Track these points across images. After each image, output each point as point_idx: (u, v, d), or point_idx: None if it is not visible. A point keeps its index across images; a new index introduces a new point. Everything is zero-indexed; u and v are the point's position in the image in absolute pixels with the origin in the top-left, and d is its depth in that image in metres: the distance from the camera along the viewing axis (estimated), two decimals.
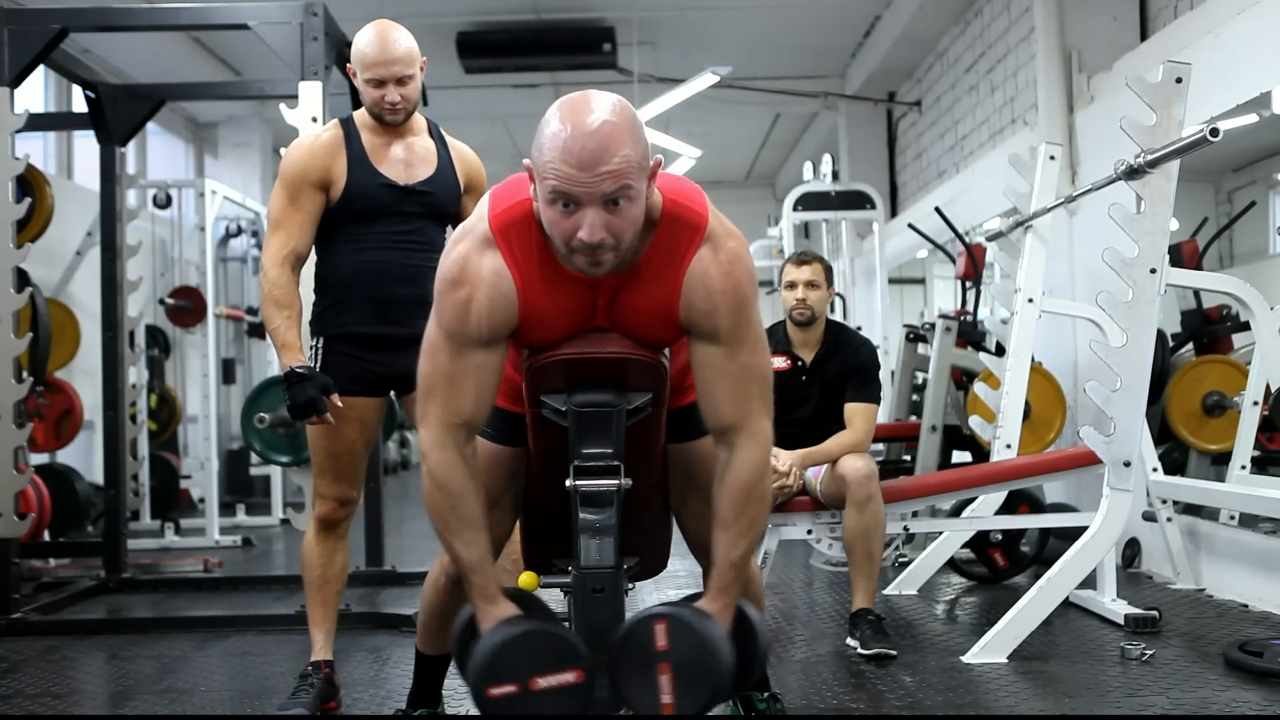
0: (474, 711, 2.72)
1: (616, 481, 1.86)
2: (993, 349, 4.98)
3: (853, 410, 3.53)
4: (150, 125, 6.74)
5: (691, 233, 1.83)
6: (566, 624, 1.99)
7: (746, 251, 1.88)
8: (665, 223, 1.82)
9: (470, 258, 1.83)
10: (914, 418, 5.33)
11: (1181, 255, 4.59)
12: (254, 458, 7.32)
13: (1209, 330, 4.68)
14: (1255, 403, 4.04)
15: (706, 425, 1.92)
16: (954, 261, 5.99)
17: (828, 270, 3.67)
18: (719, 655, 1.76)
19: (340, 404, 2.64)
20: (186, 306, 7.15)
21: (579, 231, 1.71)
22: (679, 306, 1.85)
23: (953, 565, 4.30)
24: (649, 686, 1.76)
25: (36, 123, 4.94)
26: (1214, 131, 2.88)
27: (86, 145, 6.80)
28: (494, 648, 1.76)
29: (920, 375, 5.45)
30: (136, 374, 5.91)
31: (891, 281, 8.53)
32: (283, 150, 2.93)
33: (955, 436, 4.88)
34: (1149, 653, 3.10)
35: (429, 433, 1.87)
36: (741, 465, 1.86)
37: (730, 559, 1.86)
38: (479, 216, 1.87)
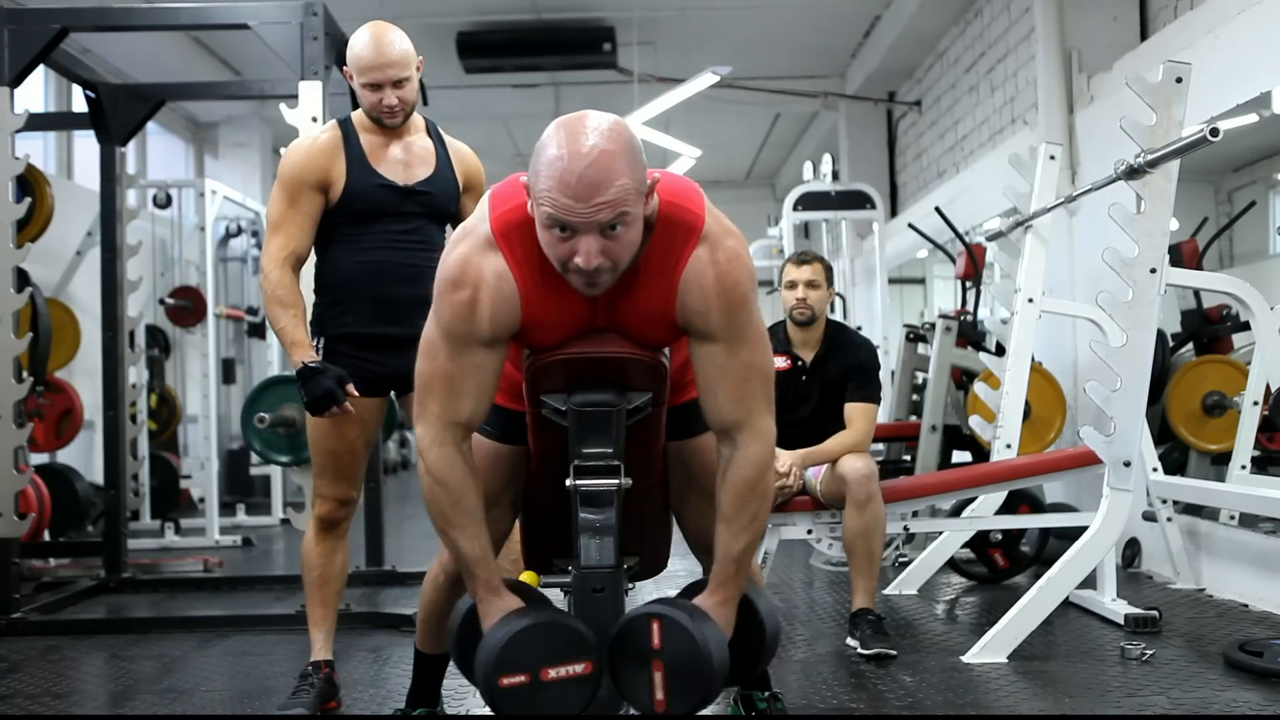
0: (474, 711, 2.73)
1: (616, 481, 1.86)
2: (993, 349, 4.98)
3: (853, 410, 3.53)
4: (150, 125, 6.75)
5: (688, 233, 1.83)
6: None
7: (745, 249, 1.87)
8: (662, 224, 1.82)
9: (472, 259, 1.83)
10: (914, 418, 5.33)
11: (1181, 255, 4.58)
12: (254, 458, 7.33)
13: (1209, 330, 4.67)
14: (1255, 403, 4.03)
15: (709, 423, 1.92)
16: (954, 261, 5.98)
17: (828, 270, 3.67)
18: (711, 659, 1.77)
19: (357, 392, 2.63)
20: (186, 306, 7.15)
21: (575, 256, 1.72)
22: (675, 308, 1.85)
23: (953, 565, 4.30)
24: (643, 683, 1.78)
25: (36, 123, 4.93)
26: (1214, 131, 2.88)
27: (86, 145, 6.79)
28: (506, 638, 1.76)
29: (920, 375, 5.45)
30: (136, 374, 5.91)
31: (891, 281, 8.53)
32: (283, 150, 2.93)
33: (955, 436, 4.87)
34: (1149, 653, 3.10)
35: (427, 431, 1.88)
36: (744, 462, 1.87)
37: (731, 553, 1.87)
38: (480, 217, 1.87)
